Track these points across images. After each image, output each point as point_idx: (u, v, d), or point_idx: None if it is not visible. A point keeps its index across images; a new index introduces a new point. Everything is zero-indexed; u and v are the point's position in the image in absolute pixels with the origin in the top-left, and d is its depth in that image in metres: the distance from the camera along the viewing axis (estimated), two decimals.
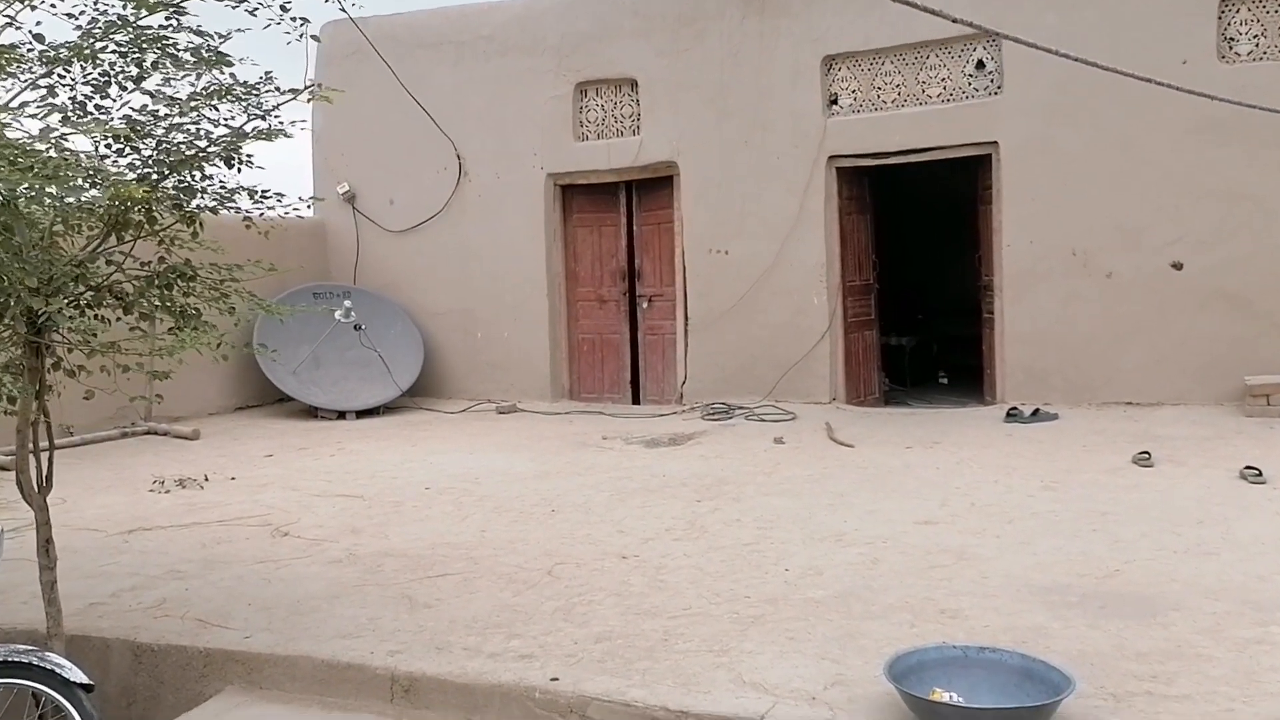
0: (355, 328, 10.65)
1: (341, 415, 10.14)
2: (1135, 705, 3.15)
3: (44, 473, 3.99)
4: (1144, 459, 6.65)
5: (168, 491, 7.09)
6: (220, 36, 3.91)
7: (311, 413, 10.25)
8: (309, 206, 4.57)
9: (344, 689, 3.78)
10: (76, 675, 3.82)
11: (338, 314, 10.57)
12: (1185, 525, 5.18)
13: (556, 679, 3.50)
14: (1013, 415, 8.40)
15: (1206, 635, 3.71)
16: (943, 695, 3.05)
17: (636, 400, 10.57)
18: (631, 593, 4.47)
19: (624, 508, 6.10)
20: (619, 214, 10.67)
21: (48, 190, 3.42)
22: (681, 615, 4.14)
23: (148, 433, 9.36)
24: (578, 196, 10.79)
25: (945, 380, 11.40)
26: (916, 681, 3.11)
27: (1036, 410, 8.42)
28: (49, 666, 3.77)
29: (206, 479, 7.38)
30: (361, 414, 10.19)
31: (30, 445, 3.87)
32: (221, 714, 3.78)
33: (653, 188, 10.41)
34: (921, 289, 12.48)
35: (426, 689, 3.63)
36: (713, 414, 9.33)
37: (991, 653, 3.22)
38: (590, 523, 5.77)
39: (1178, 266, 8.41)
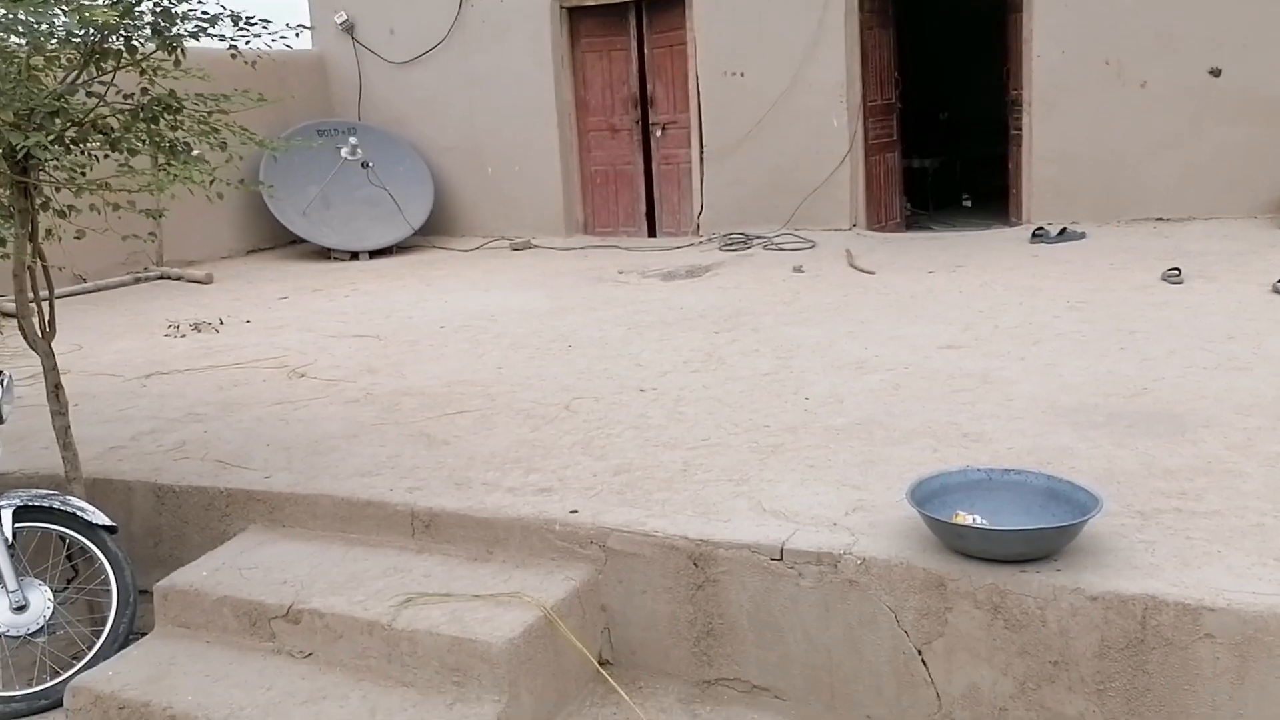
0: (362, 165, 10.40)
1: (354, 256, 10.01)
2: (1163, 522, 3.10)
3: (46, 318, 3.91)
4: (1174, 276, 6.48)
5: (183, 336, 7.06)
6: None
7: (324, 254, 10.12)
8: (298, 35, 4.32)
9: (365, 525, 3.78)
10: (98, 517, 3.84)
11: (343, 151, 10.31)
12: (1216, 341, 5.05)
13: (576, 511, 3.48)
14: (1038, 235, 8.18)
15: (1237, 451, 3.63)
16: (966, 518, 3.00)
17: (652, 233, 10.37)
18: (650, 425, 4.42)
19: (641, 341, 6.02)
20: (629, 37, 10.20)
21: (18, 16, 3.20)
22: (700, 446, 4.10)
23: (160, 278, 9.29)
24: (585, 19, 10.30)
25: (969, 203, 11.11)
26: (940, 505, 3.06)
27: (1063, 229, 8.19)
28: (71, 510, 3.80)
29: (221, 322, 7.34)
30: (374, 254, 10.06)
31: (29, 290, 3.78)
32: (246, 551, 3.80)
33: (664, 7, 9.91)
34: (945, 108, 12.02)
35: (447, 524, 3.63)
36: (730, 244, 9.15)
37: (1016, 474, 3.15)
38: (607, 357, 5.70)
39: (1215, 73, 8.00)
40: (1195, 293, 6.13)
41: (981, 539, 2.84)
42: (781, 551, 3.10)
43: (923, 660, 2.91)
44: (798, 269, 7.86)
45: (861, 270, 7.67)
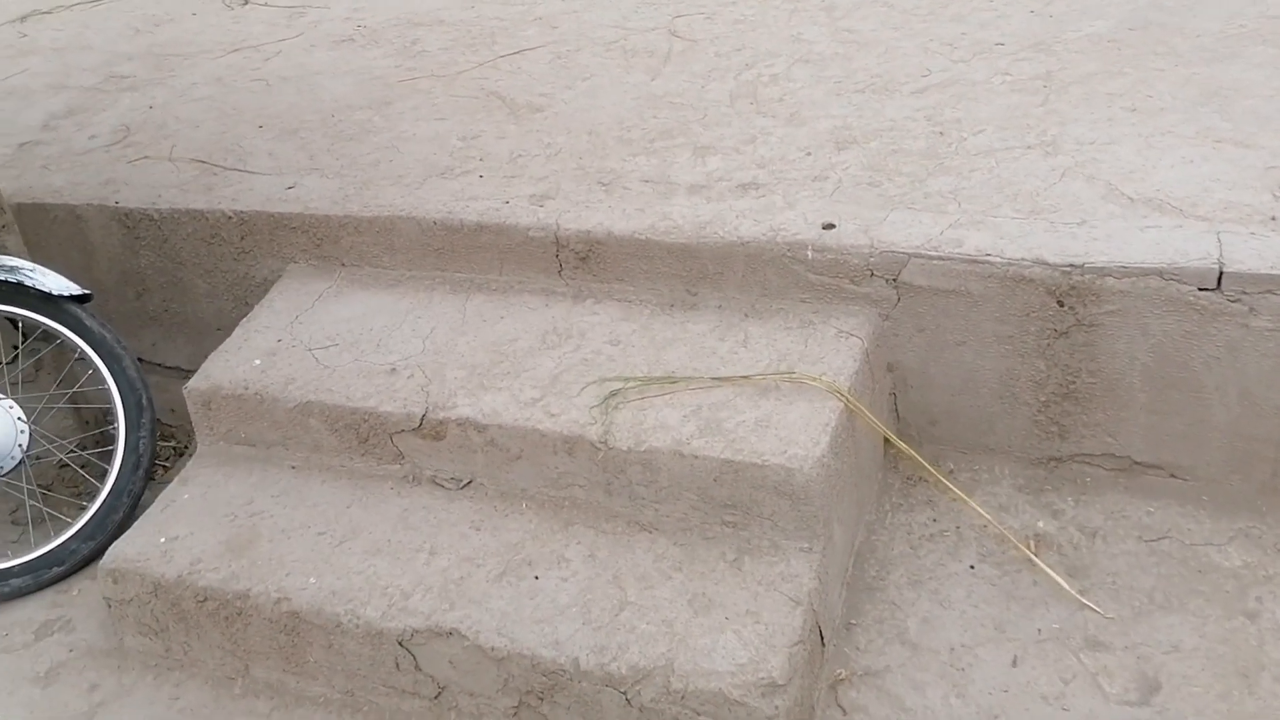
0: None
1: None
2: None
3: None
4: None
5: None
6: None
7: None
8: None
9: (478, 260, 2.51)
10: (61, 285, 2.52)
11: None
12: None
13: (832, 225, 2.26)
14: None
15: None
16: None
17: None
18: (821, 57, 3.07)
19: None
20: None
21: None
22: (930, 88, 2.80)
23: None
24: None
25: None
26: None
27: None
28: (16, 280, 2.46)
29: None
30: None
31: None
32: (303, 313, 2.54)
33: None
34: None
35: (616, 255, 2.37)
36: None
37: None
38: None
39: None
40: None
41: None
42: (1219, 277, 1.98)
43: None
44: None
45: None
